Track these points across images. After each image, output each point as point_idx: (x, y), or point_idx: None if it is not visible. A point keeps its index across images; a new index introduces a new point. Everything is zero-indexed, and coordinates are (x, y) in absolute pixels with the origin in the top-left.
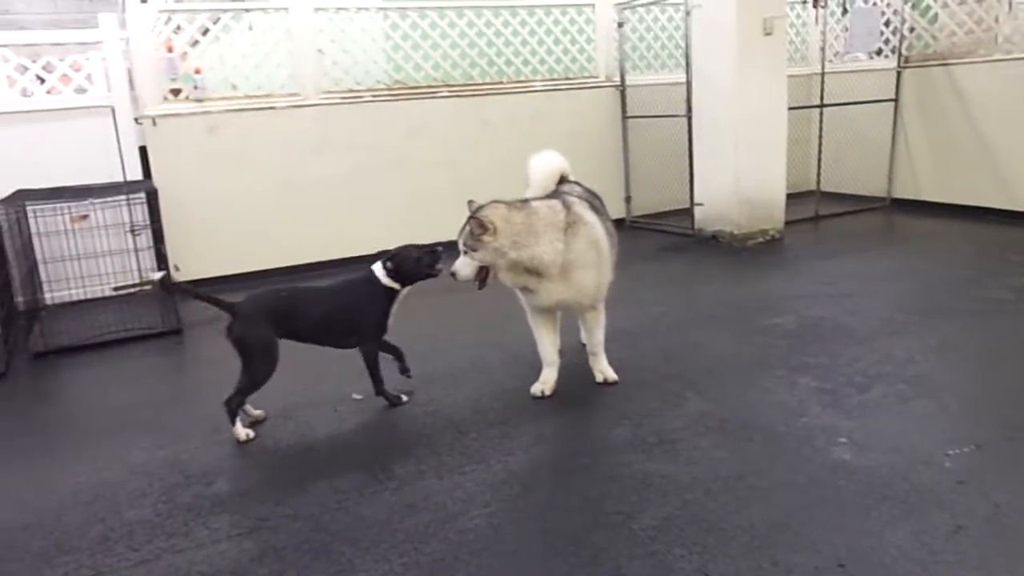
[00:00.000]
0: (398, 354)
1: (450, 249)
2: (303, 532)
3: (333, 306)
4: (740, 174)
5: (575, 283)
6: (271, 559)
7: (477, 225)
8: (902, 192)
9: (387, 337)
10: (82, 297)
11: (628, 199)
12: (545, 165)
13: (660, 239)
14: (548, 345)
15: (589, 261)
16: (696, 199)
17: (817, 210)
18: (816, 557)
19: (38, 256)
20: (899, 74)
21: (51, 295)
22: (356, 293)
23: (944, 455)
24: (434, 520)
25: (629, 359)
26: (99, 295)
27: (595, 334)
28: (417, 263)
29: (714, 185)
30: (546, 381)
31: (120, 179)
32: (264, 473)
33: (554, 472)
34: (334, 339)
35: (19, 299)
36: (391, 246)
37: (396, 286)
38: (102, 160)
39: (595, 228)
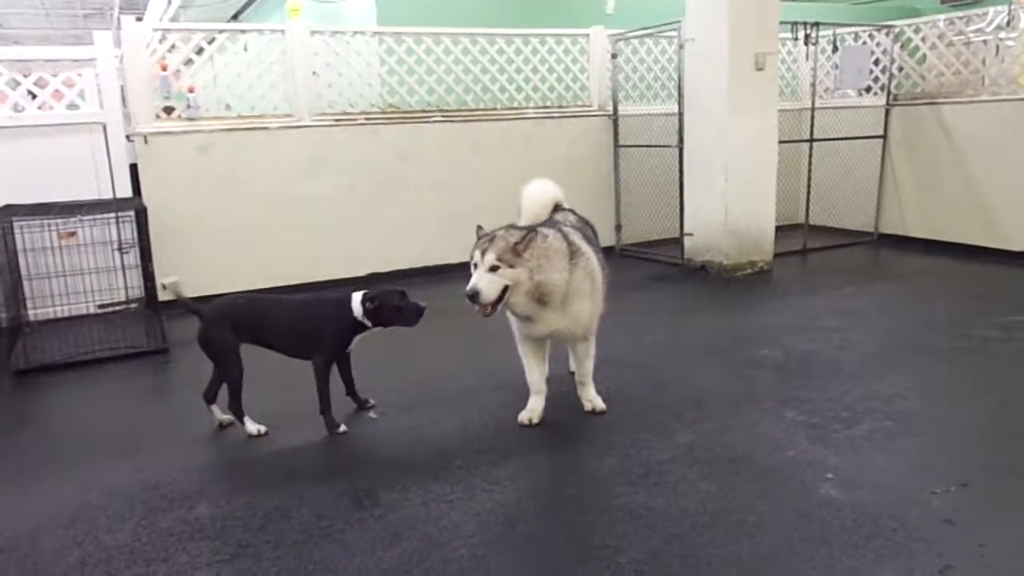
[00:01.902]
0: (349, 383)
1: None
2: (285, 560)
3: (297, 317)
4: (730, 205)
5: (572, 313)
6: None
7: (525, 240)
8: (889, 227)
9: (351, 367)
10: (66, 314)
11: (619, 227)
12: (539, 194)
13: (650, 268)
14: (536, 374)
15: (585, 291)
16: (686, 229)
17: (805, 243)
18: None
19: (23, 272)
20: (888, 111)
21: (35, 312)
22: (323, 310)
23: (931, 493)
24: (418, 550)
25: (617, 389)
26: (84, 312)
27: (584, 364)
28: (397, 312)
29: (704, 216)
30: (534, 409)
31: (109, 196)
32: (247, 497)
33: (541, 503)
34: (294, 350)
35: (1, 315)
36: (381, 269)
37: (367, 323)
38: (92, 177)
39: (591, 259)
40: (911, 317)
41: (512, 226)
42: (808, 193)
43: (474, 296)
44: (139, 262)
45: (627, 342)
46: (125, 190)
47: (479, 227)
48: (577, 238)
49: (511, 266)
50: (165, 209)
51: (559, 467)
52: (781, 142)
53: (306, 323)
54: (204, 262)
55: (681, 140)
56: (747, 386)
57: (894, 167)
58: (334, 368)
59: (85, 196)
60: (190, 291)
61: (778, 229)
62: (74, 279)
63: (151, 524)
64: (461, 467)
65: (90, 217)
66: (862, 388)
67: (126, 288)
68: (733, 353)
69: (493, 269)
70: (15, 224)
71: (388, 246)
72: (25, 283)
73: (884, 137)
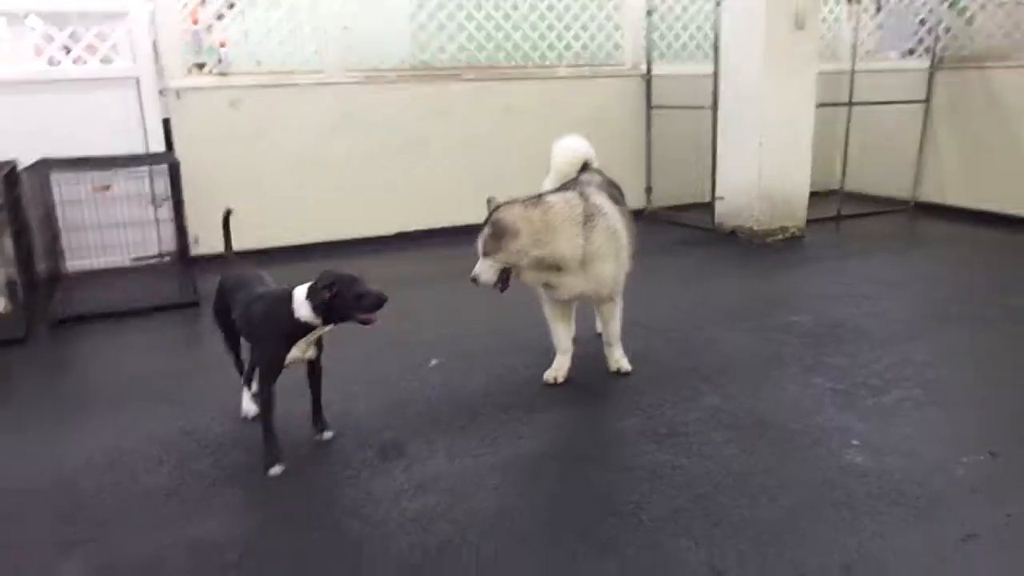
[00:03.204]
0: (316, 395)
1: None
2: (315, 506)
3: (242, 308)
4: (763, 170)
5: (594, 275)
6: (282, 531)
7: (497, 229)
8: (927, 195)
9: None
10: (102, 267)
11: (649, 190)
12: (569, 151)
13: (679, 232)
14: (562, 334)
15: (608, 252)
16: (717, 193)
17: (839, 210)
18: (824, 557)
19: (60, 225)
20: (931, 75)
21: (72, 263)
22: (259, 308)
23: (958, 462)
24: (443, 501)
25: (643, 352)
26: (119, 265)
27: (611, 325)
28: (357, 301)
29: (736, 180)
30: (559, 368)
31: (143, 151)
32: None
33: (564, 460)
34: (247, 338)
35: (40, 267)
36: (411, 228)
37: (316, 321)
38: (125, 131)
39: (613, 218)
40: (946, 286)
41: (522, 199)
42: (844, 158)
43: (475, 281)
44: (172, 216)
45: (654, 305)
46: (158, 145)
47: (489, 200)
48: (599, 198)
49: (496, 252)
50: (197, 164)
51: (583, 425)
52: (818, 105)
53: (248, 324)
54: (236, 217)
55: (715, 101)
56: (774, 351)
57: (936, 133)
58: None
59: (119, 151)
60: (219, 246)
61: (812, 195)
62: (109, 232)
63: (186, 468)
64: (486, 422)
65: (124, 171)
66: (892, 356)
67: (159, 242)
68: (761, 318)
69: (485, 255)
70: (52, 177)
71: (416, 205)
72: (62, 235)
73: (927, 102)
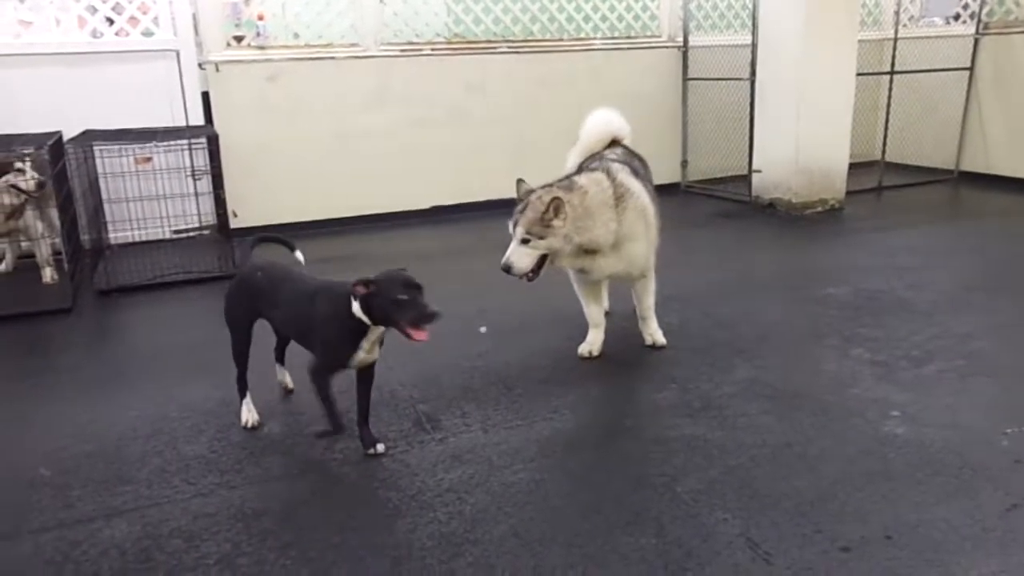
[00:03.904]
0: (364, 403)
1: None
2: (351, 476)
3: (299, 307)
4: (801, 141)
5: (626, 256)
6: (320, 500)
7: (551, 208)
8: (972, 165)
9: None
10: (143, 239)
11: (684, 163)
12: (600, 126)
13: (715, 205)
14: (595, 309)
15: (638, 232)
16: (755, 165)
17: (881, 181)
18: (862, 527)
19: (103, 196)
20: (977, 41)
21: (115, 235)
22: (319, 305)
23: (1001, 433)
24: (478, 472)
25: (679, 325)
26: (159, 237)
27: (645, 300)
28: (396, 307)
29: (774, 152)
30: (593, 342)
31: (183, 123)
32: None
33: (599, 432)
34: (300, 342)
35: (84, 237)
36: (446, 202)
37: (366, 320)
38: (166, 104)
39: (642, 197)
40: (991, 257)
41: (554, 183)
42: (886, 129)
43: (508, 270)
44: (211, 189)
45: (690, 278)
46: (197, 118)
47: (519, 181)
48: (625, 176)
49: (542, 237)
50: (236, 137)
51: (618, 398)
52: (859, 74)
53: (306, 320)
54: (273, 190)
55: (753, 72)
56: (812, 323)
57: (980, 101)
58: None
59: (159, 123)
60: (261, 219)
61: (852, 166)
62: (150, 204)
63: (225, 438)
64: (521, 395)
65: (164, 143)
66: (934, 328)
67: (199, 214)
68: (799, 291)
69: (525, 241)
70: (95, 148)
71: (453, 178)
72: (105, 207)
73: (971, 69)
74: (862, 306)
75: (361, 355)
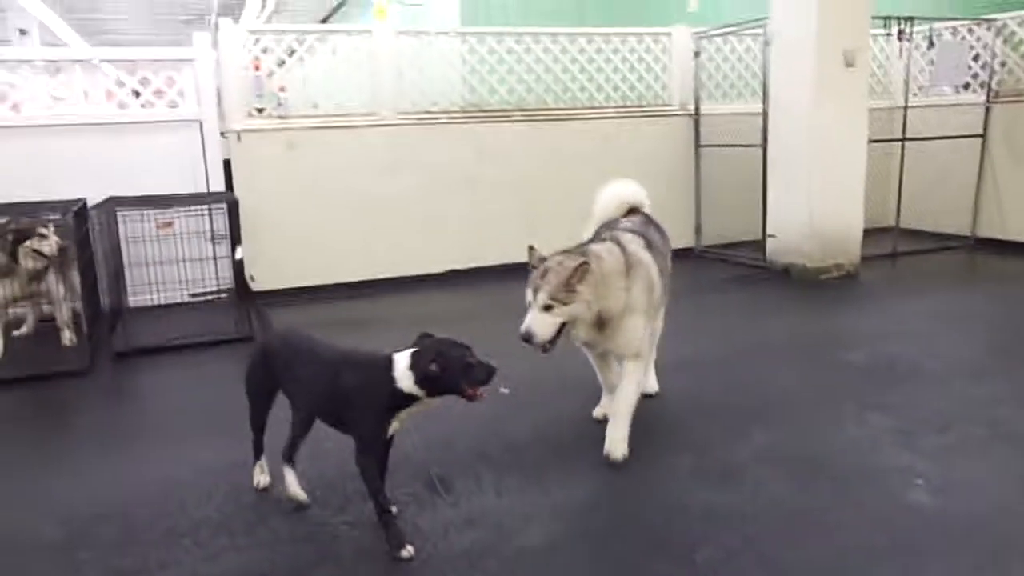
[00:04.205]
0: (382, 468)
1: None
2: (362, 540)
3: (324, 380)
4: (815, 206)
5: (625, 329)
6: (330, 564)
7: (578, 274)
8: (987, 231)
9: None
10: (162, 302)
11: (699, 228)
12: (613, 198)
13: (730, 270)
14: (608, 374)
15: (639, 306)
16: (768, 230)
17: (895, 247)
18: None
19: (124, 260)
20: (988, 109)
21: (134, 298)
22: (351, 378)
23: None
24: (490, 537)
25: (694, 389)
26: (177, 300)
27: (625, 389)
28: (465, 372)
29: (787, 217)
30: (607, 406)
31: (204, 190)
32: (326, 481)
33: (614, 498)
34: (326, 418)
35: (104, 301)
36: (460, 267)
37: (419, 393)
38: (189, 171)
39: (650, 269)
40: (1009, 323)
41: (568, 250)
42: (899, 194)
43: (528, 339)
44: (229, 253)
45: (706, 342)
46: (218, 184)
47: (531, 248)
48: (636, 245)
49: (566, 303)
50: (255, 202)
51: (634, 464)
52: (871, 141)
53: (333, 394)
54: (291, 255)
55: (765, 139)
56: (829, 390)
57: (994, 167)
58: None
59: (182, 189)
60: (278, 283)
61: (866, 232)
62: (169, 268)
63: (235, 500)
64: (534, 461)
65: (185, 208)
66: (954, 394)
67: (217, 278)
68: (815, 356)
69: (547, 308)
70: (118, 214)
71: (467, 244)
72: (126, 271)
73: (983, 136)
74: (880, 372)
75: (396, 425)
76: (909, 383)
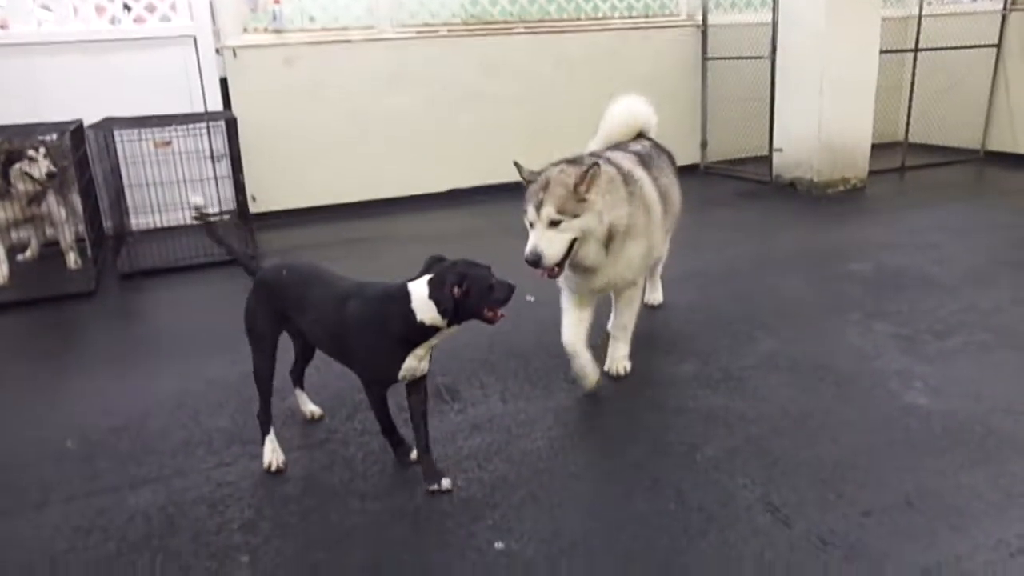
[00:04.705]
0: (423, 434)
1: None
2: (371, 445)
3: (332, 313)
4: (824, 120)
5: (626, 255)
6: (340, 468)
7: (587, 179)
8: (998, 144)
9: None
10: (164, 224)
11: (704, 144)
12: (624, 116)
13: (736, 185)
14: (575, 333)
15: (640, 228)
16: (776, 144)
17: (904, 160)
18: (883, 494)
19: (124, 182)
20: (1004, 17)
21: (136, 221)
22: (357, 308)
23: None
24: (497, 441)
25: (699, 299)
26: (179, 223)
27: (625, 315)
28: (489, 293)
29: (795, 130)
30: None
31: (201, 110)
32: (335, 390)
33: (618, 402)
34: (333, 354)
35: (107, 224)
36: (463, 185)
37: (441, 324)
38: (184, 90)
39: (646, 186)
40: (1016, 235)
41: (566, 160)
42: (909, 108)
43: (536, 261)
44: (230, 173)
45: (711, 256)
46: (216, 104)
47: (517, 164)
48: (630, 162)
49: (576, 215)
50: (254, 121)
51: (637, 370)
52: (883, 52)
53: (342, 328)
54: (292, 175)
55: (774, 51)
56: (834, 299)
57: (1008, 78)
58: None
59: (179, 110)
60: (278, 204)
61: (874, 147)
62: (170, 190)
63: (247, 410)
64: (539, 368)
65: (183, 128)
66: (958, 302)
67: (219, 199)
68: (821, 267)
69: (554, 223)
70: (116, 134)
71: (469, 161)
72: (126, 192)
73: (999, 46)
74: (885, 282)
75: (413, 363)
76: (914, 292)
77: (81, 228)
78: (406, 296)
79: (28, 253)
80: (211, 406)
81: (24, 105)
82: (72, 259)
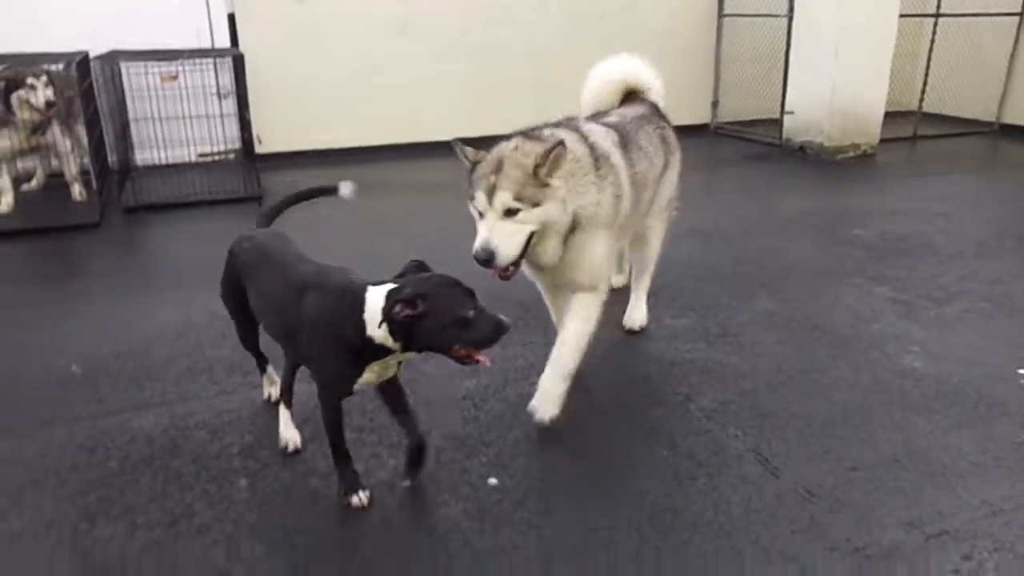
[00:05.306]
0: (409, 424)
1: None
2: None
3: (288, 303)
4: (838, 83)
5: (584, 247)
6: None
7: (550, 160)
8: (1013, 117)
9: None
10: (168, 161)
11: (715, 104)
12: (601, 78)
13: (745, 147)
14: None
15: (604, 218)
16: (788, 107)
17: (916, 130)
18: (872, 450)
19: (129, 116)
20: None
21: (141, 156)
22: (309, 305)
23: (1020, 371)
24: (494, 383)
25: (702, 257)
26: (185, 160)
27: (573, 330)
28: (460, 328)
29: (808, 93)
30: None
31: (208, 45)
32: None
33: (614, 352)
34: (285, 346)
35: (112, 158)
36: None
37: (393, 346)
38: (192, 26)
39: (620, 174)
40: None
41: (521, 134)
42: (926, 76)
43: (488, 260)
44: (236, 110)
45: (718, 215)
46: (223, 41)
47: (456, 142)
48: (605, 140)
49: (536, 203)
50: (261, 60)
51: None
52: (902, 16)
53: (293, 320)
54: (297, 117)
55: (791, 9)
56: (836, 262)
57: None
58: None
59: (186, 45)
60: (283, 145)
61: (887, 115)
62: (176, 126)
63: None
64: (537, 316)
65: (190, 61)
66: (960, 270)
67: (225, 139)
68: (825, 231)
69: (510, 213)
70: (122, 66)
71: (476, 112)
72: (132, 127)
73: (1022, 15)
74: (889, 248)
75: (370, 378)
76: (917, 259)
77: (86, 160)
78: (359, 303)
79: (33, 183)
80: (213, 337)
81: (31, 36)
82: (77, 191)
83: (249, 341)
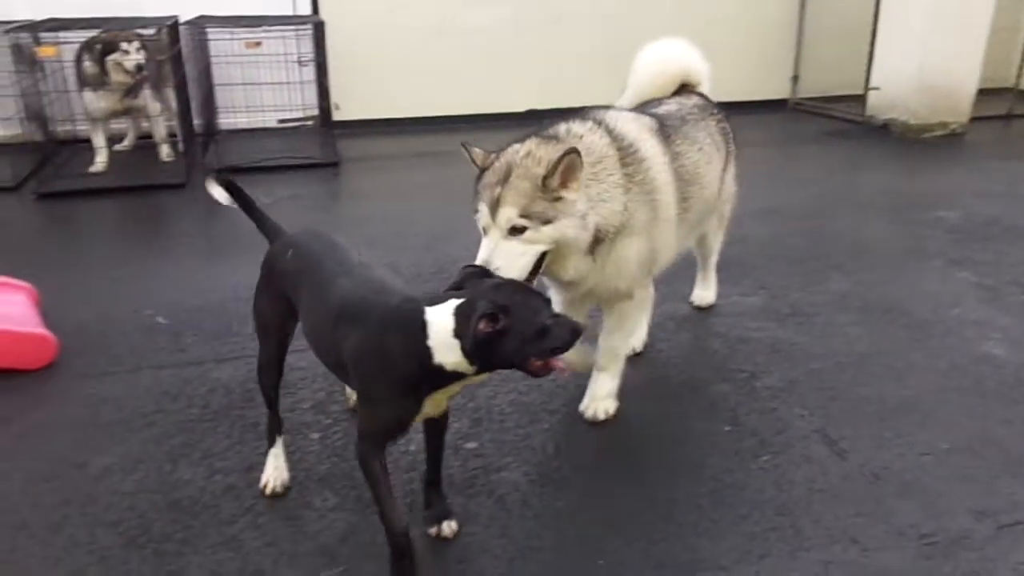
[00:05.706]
0: (434, 459)
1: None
2: None
3: (326, 331)
4: (927, 58)
5: (614, 258)
6: None
7: (562, 169)
8: None
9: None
10: (249, 126)
11: (795, 79)
12: (653, 65)
13: (825, 123)
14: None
15: (639, 223)
16: (873, 82)
17: (1011, 108)
18: (945, 437)
19: (214, 81)
20: None
21: (224, 120)
22: (358, 335)
23: None
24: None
25: (775, 234)
26: (265, 125)
27: (614, 336)
28: (539, 339)
29: (894, 68)
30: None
31: (291, 12)
32: None
33: (680, 328)
34: (335, 372)
35: (197, 121)
36: (541, 107)
37: (468, 369)
38: None
39: (653, 167)
40: None
41: (537, 135)
42: None
43: None
44: (316, 77)
45: (790, 192)
46: (305, 8)
47: (465, 146)
48: (636, 127)
49: (547, 220)
50: (341, 27)
51: None
52: None
53: (335, 339)
54: (374, 83)
55: None
56: (916, 243)
57: None
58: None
59: (269, 11)
60: (358, 112)
61: (981, 92)
62: (257, 92)
63: None
64: None
65: (274, 28)
66: None
67: (303, 105)
68: (906, 211)
69: (517, 231)
70: (207, 31)
71: (549, 83)
72: (216, 91)
73: None
74: (974, 231)
75: (429, 410)
76: (1003, 243)
77: (174, 123)
78: (422, 328)
79: (125, 143)
80: None
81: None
82: (165, 152)
83: (271, 380)
